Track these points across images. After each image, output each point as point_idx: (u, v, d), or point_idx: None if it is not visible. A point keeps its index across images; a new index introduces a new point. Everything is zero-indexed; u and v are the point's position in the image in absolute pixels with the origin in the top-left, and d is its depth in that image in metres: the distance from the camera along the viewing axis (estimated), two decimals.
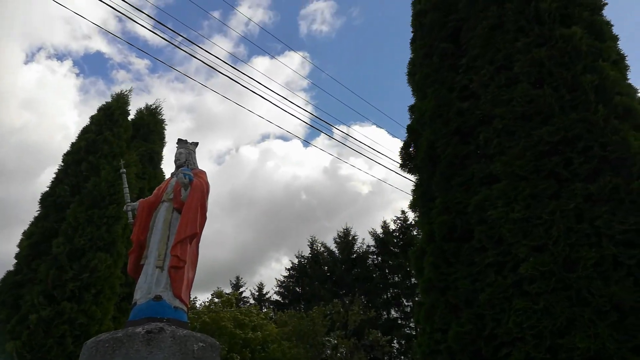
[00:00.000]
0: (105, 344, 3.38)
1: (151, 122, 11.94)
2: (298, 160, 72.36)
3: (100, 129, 10.28)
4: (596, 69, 4.86)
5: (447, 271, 5.31)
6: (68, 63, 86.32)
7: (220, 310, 18.09)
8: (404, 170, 6.95)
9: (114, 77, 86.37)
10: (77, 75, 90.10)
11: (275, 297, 30.24)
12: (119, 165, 6.21)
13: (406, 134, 6.89)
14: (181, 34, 13.76)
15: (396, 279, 26.84)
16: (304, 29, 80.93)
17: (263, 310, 23.09)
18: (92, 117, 10.66)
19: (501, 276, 4.78)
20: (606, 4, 5.54)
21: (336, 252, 29.71)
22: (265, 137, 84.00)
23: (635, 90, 5.18)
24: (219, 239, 51.51)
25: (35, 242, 9.11)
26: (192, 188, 4.23)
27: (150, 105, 12.30)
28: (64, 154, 10.26)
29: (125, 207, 4.73)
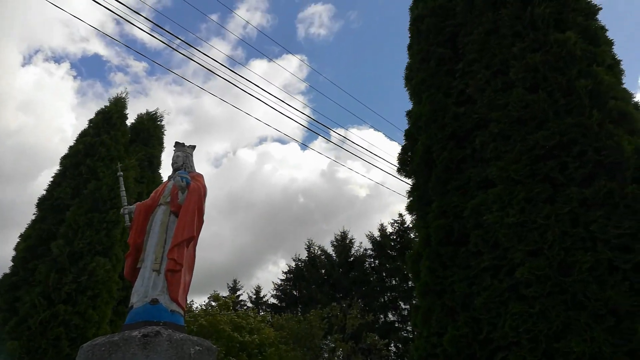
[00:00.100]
0: (101, 348, 3.39)
1: (151, 127, 12.01)
2: (296, 163, 72.43)
3: (99, 132, 10.32)
4: (591, 74, 4.89)
5: (443, 275, 5.33)
6: (65, 65, 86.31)
7: (217, 313, 18.03)
8: (402, 175, 6.97)
9: (111, 79, 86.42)
10: (75, 77, 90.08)
11: (272, 300, 30.21)
12: (116, 169, 6.22)
13: (404, 140, 6.91)
14: (179, 36, 13.82)
15: (393, 282, 26.83)
16: (301, 32, 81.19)
17: (260, 314, 23.04)
18: (90, 121, 10.72)
19: (497, 280, 4.79)
20: (600, 8, 5.58)
21: (333, 255, 29.70)
22: (262, 140, 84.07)
23: (631, 95, 5.21)
24: (216, 242, 51.46)
25: (32, 244, 9.11)
26: (189, 191, 4.24)
27: (151, 112, 12.38)
28: (62, 157, 10.28)
29: (122, 210, 4.73)
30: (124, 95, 11.25)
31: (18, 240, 9.36)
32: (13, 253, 9.25)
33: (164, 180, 5.65)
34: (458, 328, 4.91)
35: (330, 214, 50.59)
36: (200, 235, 4.33)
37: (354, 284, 26.84)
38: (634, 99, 5.30)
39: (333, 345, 16.92)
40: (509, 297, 4.64)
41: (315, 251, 30.37)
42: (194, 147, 4.93)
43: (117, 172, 5.31)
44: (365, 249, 28.75)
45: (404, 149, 6.89)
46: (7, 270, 9.09)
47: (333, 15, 77.94)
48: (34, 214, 9.68)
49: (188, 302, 5.91)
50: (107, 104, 11.04)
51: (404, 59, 7.39)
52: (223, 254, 50.23)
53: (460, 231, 5.33)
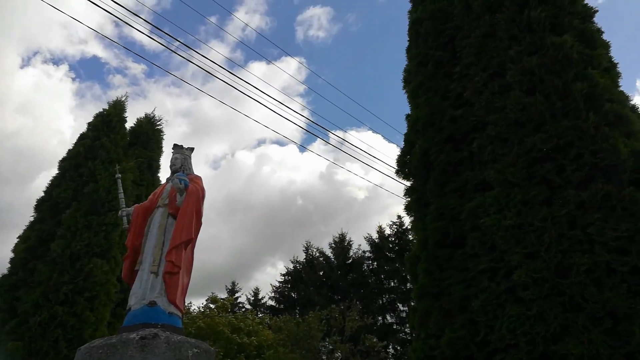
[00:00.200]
0: (99, 350, 3.38)
1: (150, 131, 12.03)
2: (294, 165, 72.33)
3: (98, 135, 10.34)
4: (587, 77, 4.91)
5: (440, 277, 5.34)
6: (64, 67, 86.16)
7: (215, 315, 18.03)
8: (400, 177, 6.98)
9: (110, 81, 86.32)
10: (73, 79, 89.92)
11: (271, 302, 30.17)
12: (114, 171, 6.22)
13: (403, 143, 6.92)
14: (178, 38, 13.84)
15: (392, 284, 26.81)
16: (300, 34, 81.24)
17: (259, 316, 23.03)
18: (89, 124, 10.74)
19: (494, 282, 4.80)
20: (597, 11, 5.61)
21: (332, 257, 29.67)
22: (261, 142, 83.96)
23: (627, 97, 5.23)
24: (214, 244, 51.35)
25: (31, 245, 9.14)
26: (188, 193, 4.24)
27: (150, 115, 12.39)
28: (61, 160, 10.30)
29: (120, 212, 4.72)
30: (123, 99, 11.29)
31: (17, 241, 9.39)
32: (11, 255, 9.27)
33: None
34: (455, 330, 4.91)
35: (328, 216, 50.61)
36: (198, 237, 4.33)
37: (353, 286, 26.82)
38: (631, 102, 5.33)
39: (331, 347, 16.89)
40: (506, 300, 4.65)
41: (314, 253, 30.33)
42: (192, 149, 4.93)
43: (115, 175, 5.31)
44: (364, 251, 28.74)
45: (403, 152, 6.90)
46: (5, 272, 9.11)
47: (332, 18, 78.09)
48: (32, 215, 9.71)
49: (186, 304, 5.91)
50: (106, 106, 11.11)
51: (402, 61, 7.41)
52: (221, 256, 50.18)
53: (458, 233, 5.34)
